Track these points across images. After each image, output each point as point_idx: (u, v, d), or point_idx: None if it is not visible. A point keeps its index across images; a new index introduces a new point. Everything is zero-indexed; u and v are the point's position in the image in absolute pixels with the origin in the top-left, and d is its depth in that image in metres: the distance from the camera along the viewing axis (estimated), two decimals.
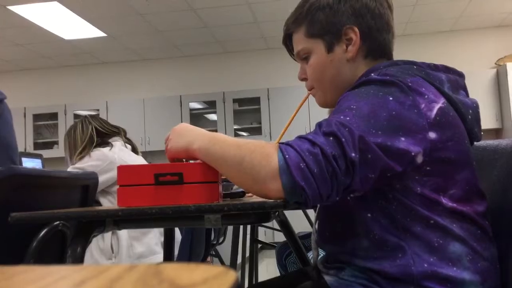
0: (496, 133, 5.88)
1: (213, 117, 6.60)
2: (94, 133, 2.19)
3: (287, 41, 1.07)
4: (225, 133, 6.32)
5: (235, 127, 6.39)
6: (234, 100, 6.35)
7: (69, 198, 1.31)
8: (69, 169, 2.17)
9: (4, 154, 1.37)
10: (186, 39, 6.01)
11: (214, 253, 3.37)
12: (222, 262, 3.37)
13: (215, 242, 3.02)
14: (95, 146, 2.17)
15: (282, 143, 0.82)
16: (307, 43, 1.01)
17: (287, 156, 0.77)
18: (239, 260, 3.84)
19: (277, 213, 1.24)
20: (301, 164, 0.76)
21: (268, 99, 6.22)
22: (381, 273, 0.85)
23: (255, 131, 6.37)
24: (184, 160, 0.98)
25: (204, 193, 0.90)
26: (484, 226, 0.88)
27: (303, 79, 1.06)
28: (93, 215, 0.82)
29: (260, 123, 6.30)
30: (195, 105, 6.59)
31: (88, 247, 2.09)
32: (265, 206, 0.79)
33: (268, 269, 4.54)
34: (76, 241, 0.87)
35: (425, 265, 0.83)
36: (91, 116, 2.33)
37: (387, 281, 0.85)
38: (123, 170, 0.90)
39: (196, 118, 6.57)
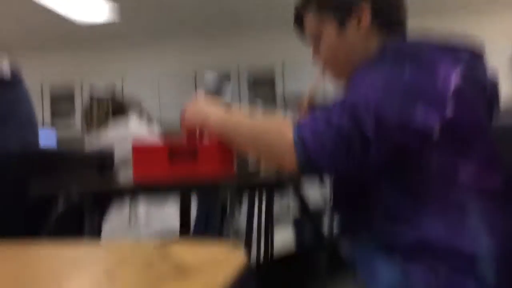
0: None
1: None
2: (110, 109, 2.21)
3: (298, 22, 1.06)
4: (240, 107, 6.31)
5: (249, 101, 6.36)
6: (249, 74, 6.31)
7: (85, 177, 1.33)
8: (86, 143, 2.20)
9: (30, 130, 1.39)
10: (199, 14, 5.95)
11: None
12: (237, 237, 3.41)
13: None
14: (111, 122, 2.19)
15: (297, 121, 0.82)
16: (318, 21, 1.00)
17: (302, 134, 0.77)
18: (255, 233, 3.88)
19: (292, 187, 1.24)
20: (316, 142, 0.76)
21: (283, 72, 6.16)
22: (396, 245, 0.85)
23: (270, 104, 6.34)
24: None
25: (219, 167, 0.90)
26: (501, 201, 0.86)
27: (317, 57, 1.05)
28: (109, 190, 0.84)
29: (275, 96, 6.26)
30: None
31: (107, 220, 2.13)
32: (279, 178, 0.80)
33: (284, 241, 4.59)
34: (93, 215, 0.88)
35: (441, 239, 0.82)
36: (106, 92, 2.34)
37: (402, 254, 0.85)
38: (138, 146, 0.91)
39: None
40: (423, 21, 6.37)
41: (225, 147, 0.89)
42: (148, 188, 0.83)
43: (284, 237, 5.06)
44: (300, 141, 0.77)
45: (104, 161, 1.31)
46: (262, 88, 6.46)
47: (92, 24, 5.94)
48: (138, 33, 6.59)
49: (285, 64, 6.14)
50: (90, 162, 1.32)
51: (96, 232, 0.87)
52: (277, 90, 6.22)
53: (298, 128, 0.78)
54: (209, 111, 0.91)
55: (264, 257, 3.02)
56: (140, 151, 0.90)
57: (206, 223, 2.01)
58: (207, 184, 0.83)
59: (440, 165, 0.83)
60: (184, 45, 6.73)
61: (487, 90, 0.90)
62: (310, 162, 0.76)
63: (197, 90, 6.35)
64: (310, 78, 1.07)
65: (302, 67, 5.99)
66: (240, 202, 3.22)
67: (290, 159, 0.78)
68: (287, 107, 6.13)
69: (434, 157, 0.83)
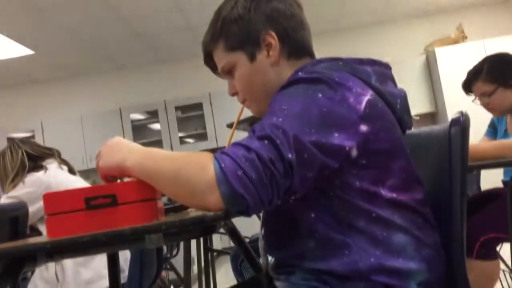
0: (432, 116, 6.12)
1: (156, 126, 6.45)
2: (25, 157, 2.07)
3: (208, 60, 1.05)
4: (170, 142, 6.20)
5: (180, 134, 6.27)
6: (177, 108, 6.24)
7: None
8: (2, 199, 2.04)
9: None
10: (120, 50, 5.84)
11: (169, 266, 3.29)
12: (177, 275, 3.29)
13: (168, 256, 2.94)
14: (28, 171, 2.05)
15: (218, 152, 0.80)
16: (228, 58, 0.99)
17: (223, 165, 0.75)
18: (195, 270, 3.77)
19: (222, 222, 1.21)
20: (238, 172, 0.74)
21: (211, 104, 6.16)
22: (330, 272, 0.84)
23: (201, 137, 6.29)
24: (118, 178, 0.93)
25: (141, 213, 0.85)
26: (424, 214, 0.88)
27: (234, 93, 1.04)
28: (18, 251, 0.76)
29: (205, 128, 6.22)
30: (136, 116, 6.41)
31: (31, 278, 1.96)
32: (205, 219, 0.76)
33: (227, 275, 4.49)
34: (3, 280, 0.79)
35: (372, 259, 0.82)
36: (20, 140, 2.20)
37: (337, 280, 0.84)
38: (49, 198, 0.83)
39: (139, 130, 6.40)
40: (341, 37, 6.62)
41: (146, 185, 0.84)
42: (63, 246, 0.75)
43: (227, 268, 4.94)
44: (220, 168, 0.75)
45: (16, 215, 1.21)
46: (191, 121, 6.40)
47: (5, 62, 5.62)
48: (57, 71, 6.33)
49: (212, 95, 6.13)
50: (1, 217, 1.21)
51: None
52: (206, 121, 6.18)
53: (218, 157, 0.77)
54: (125, 153, 0.86)
55: None
56: (53, 200, 0.83)
57: (141, 267, 1.91)
58: (129, 236, 0.77)
59: (363, 185, 0.84)
60: (107, 82, 6.54)
61: (398, 104, 0.93)
62: (233, 192, 0.74)
63: (124, 127, 6.17)
64: (238, 106, 1.06)
65: (229, 96, 6.03)
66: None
67: (212, 191, 0.75)
68: (218, 138, 6.11)
69: (356, 177, 0.84)
